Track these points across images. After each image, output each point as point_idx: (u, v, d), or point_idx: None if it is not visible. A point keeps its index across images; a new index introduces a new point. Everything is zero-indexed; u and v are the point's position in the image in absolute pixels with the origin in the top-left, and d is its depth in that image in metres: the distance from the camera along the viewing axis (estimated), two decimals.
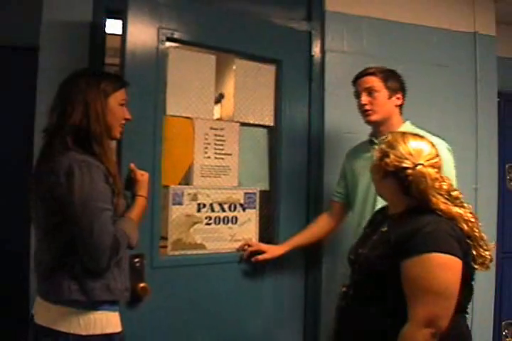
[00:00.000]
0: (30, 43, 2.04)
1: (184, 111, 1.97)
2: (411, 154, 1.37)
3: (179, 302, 1.88)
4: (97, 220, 1.33)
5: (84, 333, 1.35)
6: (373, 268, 1.36)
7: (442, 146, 1.75)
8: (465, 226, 1.35)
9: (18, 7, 2.27)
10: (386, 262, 1.32)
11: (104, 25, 2.04)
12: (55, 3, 1.98)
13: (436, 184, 1.36)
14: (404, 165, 1.36)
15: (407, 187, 1.37)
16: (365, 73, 1.89)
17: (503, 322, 3.05)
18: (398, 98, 1.89)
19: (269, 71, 2.22)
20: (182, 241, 1.95)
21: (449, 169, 1.72)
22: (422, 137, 1.45)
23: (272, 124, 2.21)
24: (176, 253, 1.93)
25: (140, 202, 1.56)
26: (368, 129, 2.00)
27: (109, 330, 1.40)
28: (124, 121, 1.55)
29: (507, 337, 3.07)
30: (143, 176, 1.62)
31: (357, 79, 1.92)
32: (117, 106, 1.51)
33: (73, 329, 1.35)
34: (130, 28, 1.77)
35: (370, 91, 1.87)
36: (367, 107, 1.87)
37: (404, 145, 1.39)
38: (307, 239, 2.06)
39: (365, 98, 1.87)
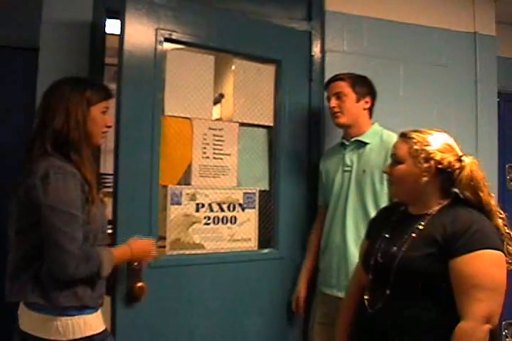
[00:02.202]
0: (30, 43, 2.04)
1: (182, 111, 1.98)
2: (448, 148, 1.38)
3: (177, 301, 1.88)
4: (66, 225, 1.35)
5: (64, 339, 1.37)
6: (421, 268, 1.31)
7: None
8: (500, 223, 1.35)
9: (18, 7, 2.26)
10: (435, 261, 1.30)
11: (104, 25, 2.04)
12: (55, 3, 1.98)
13: (481, 174, 1.36)
14: (452, 159, 1.36)
15: (452, 183, 1.37)
16: (335, 79, 2.03)
17: (503, 322, 3.05)
18: (366, 102, 2.01)
19: (268, 71, 2.22)
20: (180, 241, 1.95)
21: None
22: (430, 131, 1.43)
23: (271, 124, 2.21)
24: (175, 253, 1.93)
25: (124, 249, 1.56)
26: None
27: (89, 333, 1.42)
28: (105, 129, 1.57)
29: (507, 337, 3.07)
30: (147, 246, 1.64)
31: (328, 84, 2.05)
32: (99, 114, 1.53)
33: (53, 335, 1.37)
34: (128, 29, 1.78)
35: (338, 96, 2.00)
36: (335, 110, 2.00)
37: (436, 141, 1.38)
38: (314, 257, 2.11)
39: (334, 101, 2.00)
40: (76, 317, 1.40)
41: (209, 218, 2.02)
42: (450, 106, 2.58)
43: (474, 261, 1.25)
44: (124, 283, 1.73)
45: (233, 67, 2.15)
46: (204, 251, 2.00)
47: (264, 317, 2.11)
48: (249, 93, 2.16)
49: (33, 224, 1.38)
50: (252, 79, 2.17)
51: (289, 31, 2.27)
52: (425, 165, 1.36)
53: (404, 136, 1.43)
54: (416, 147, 1.38)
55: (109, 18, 2.06)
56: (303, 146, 2.27)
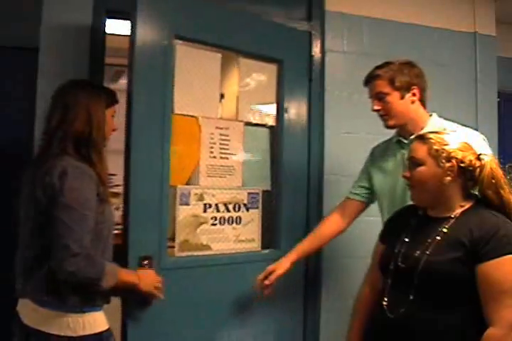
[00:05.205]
0: (30, 43, 2.04)
1: (191, 109, 1.93)
2: (467, 147, 1.36)
3: (187, 304, 1.85)
4: (75, 224, 1.37)
5: (75, 335, 1.40)
6: (446, 272, 1.28)
7: (479, 137, 1.68)
8: None
9: (18, 7, 2.26)
10: (461, 265, 1.27)
11: (104, 26, 2.04)
12: (54, 3, 1.98)
13: (501, 172, 1.36)
14: (473, 157, 1.34)
15: (474, 183, 1.35)
16: (370, 77, 1.77)
17: None
18: (414, 94, 1.74)
19: (270, 70, 2.20)
20: (189, 242, 1.91)
21: None
22: (444, 131, 1.43)
23: (273, 124, 2.20)
24: (183, 254, 1.89)
25: (133, 277, 1.55)
26: (367, 129, 2.00)
27: (98, 329, 1.45)
28: (111, 132, 1.62)
29: None
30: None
31: (366, 83, 1.80)
32: (110, 117, 1.59)
33: (64, 331, 1.39)
34: (138, 27, 1.74)
35: (380, 97, 1.74)
36: (381, 113, 1.76)
37: (452, 141, 1.36)
38: (316, 243, 1.91)
39: (376, 104, 1.76)
40: (86, 314, 1.43)
41: (216, 218, 1.99)
42: (450, 106, 2.57)
43: (503, 266, 1.24)
44: None
45: (238, 66, 2.11)
46: (211, 252, 1.96)
47: (271, 317, 2.10)
48: (252, 92, 2.14)
49: (46, 222, 1.40)
50: (255, 78, 2.15)
51: (291, 31, 2.26)
52: (447, 164, 1.33)
53: (421, 138, 1.41)
54: (436, 147, 1.35)
55: (109, 18, 2.06)
56: (303, 146, 2.26)
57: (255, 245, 2.11)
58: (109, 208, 1.52)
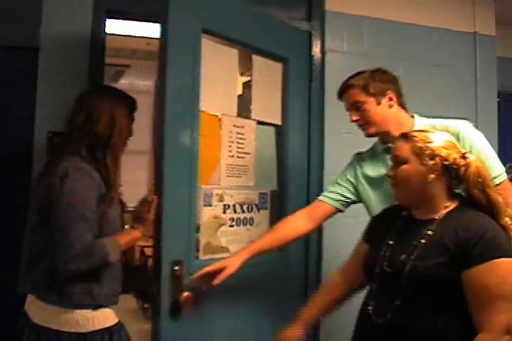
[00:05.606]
0: (30, 43, 2.04)
1: (213, 107, 1.84)
2: (452, 145, 1.34)
3: (214, 310, 1.78)
4: (75, 224, 1.38)
5: (84, 330, 1.42)
6: (432, 277, 1.25)
7: (470, 127, 1.64)
8: (507, 221, 1.30)
9: (18, 7, 2.26)
10: (447, 270, 1.24)
11: (104, 25, 2.04)
12: (55, 3, 1.98)
13: (486, 171, 1.33)
14: (457, 155, 1.32)
15: (458, 182, 1.33)
16: (343, 88, 1.72)
17: None
18: (390, 98, 1.68)
19: (277, 69, 2.16)
20: (211, 245, 1.83)
21: (488, 146, 1.61)
22: (429, 129, 1.41)
23: (279, 123, 2.17)
24: (207, 257, 1.79)
25: (134, 234, 1.58)
26: None
27: (108, 324, 1.48)
28: (129, 138, 1.66)
29: None
30: (152, 216, 1.59)
31: (340, 96, 1.75)
32: (131, 123, 1.64)
33: (74, 327, 1.41)
34: (170, 21, 1.63)
35: (356, 106, 1.68)
36: (360, 123, 1.70)
37: (436, 139, 1.34)
38: (275, 244, 1.75)
39: (354, 114, 1.70)
40: (94, 310, 1.45)
41: (233, 220, 1.92)
42: (450, 106, 2.58)
43: (491, 271, 1.21)
44: (168, 293, 1.58)
45: (251, 63, 2.06)
46: (229, 255, 1.83)
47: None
48: (263, 90, 2.09)
49: (47, 220, 1.42)
50: (264, 76, 2.10)
51: (294, 30, 2.26)
52: (431, 162, 1.31)
53: (404, 136, 1.39)
54: (419, 145, 1.33)
55: (109, 18, 2.06)
56: (303, 146, 2.26)
57: None
58: (114, 211, 1.53)
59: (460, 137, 1.53)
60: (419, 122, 1.69)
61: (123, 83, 6.12)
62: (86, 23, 2.00)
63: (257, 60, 2.07)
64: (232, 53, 1.95)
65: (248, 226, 1.98)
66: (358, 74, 1.71)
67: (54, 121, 1.98)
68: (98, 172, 1.48)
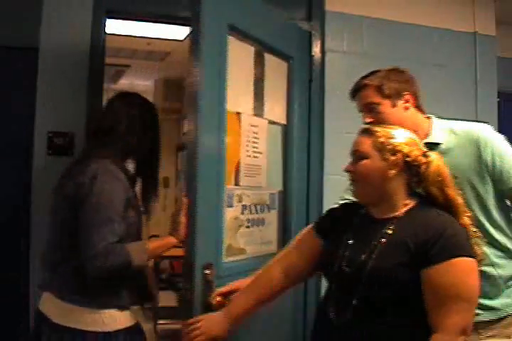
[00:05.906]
0: (30, 43, 2.04)
1: (234, 105, 1.79)
2: (414, 142, 1.32)
3: None
4: (100, 225, 1.41)
5: (110, 329, 1.45)
6: (392, 278, 1.22)
7: (491, 131, 1.59)
8: (466, 221, 1.28)
9: (18, 7, 2.26)
10: (407, 270, 1.21)
11: (104, 25, 2.05)
12: (55, 3, 1.99)
13: (447, 170, 1.32)
14: (418, 153, 1.30)
15: (418, 181, 1.31)
16: (357, 88, 1.63)
17: None
18: (406, 100, 1.59)
19: (283, 67, 2.15)
20: (231, 246, 1.79)
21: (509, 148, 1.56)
22: (392, 126, 1.37)
23: (285, 122, 2.16)
24: (229, 259, 1.74)
25: (167, 239, 1.59)
26: None
27: (128, 324, 1.51)
28: None
29: None
30: (184, 218, 1.58)
31: (353, 96, 1.66)
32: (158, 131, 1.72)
33: (100, 326, 1.43)
34: (203, 27, 1.58)
35: (370, 108, 1.59)
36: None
37: (398, 135, 1.32)
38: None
39: (367, 115, 1.60)
40: (116, 309, 1.48)
41: (249, 220, 1.88)
42: (450, 106, 2.57)
43: (449, 271, 1.18)
44: (199, 297, 1.52)
45: (263, 61, 2.02)
46: (246, 256, 1.85)
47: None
48: (272, 89, 2.07)
49: (74, 220, 1.45)
50: (274, 75, 2.09)
51: (298, 30, 2.26)
52: (392, 157, 1.28)
53: (366, 131, 1.36)
54: (381, 140, 1.30)
55: (109, 18, 2.06)
56: (303, 146, 2.26)
57: (272, 247, 2.02)
58: (136, 214, 1.58)
59: (481, 142, 1.50)
60: (437, 124, 1.63)
61: (123, 83, 6.11)
62: (86, 23, 2.00)
63: (269, 58, 2.05)
64: (250, 51, 1.93)
65: (261, 226, 1.97)
66: (373, 73, 1.62)
67: (54, 121, 1.99)
68: (126, 175, 1.54)
